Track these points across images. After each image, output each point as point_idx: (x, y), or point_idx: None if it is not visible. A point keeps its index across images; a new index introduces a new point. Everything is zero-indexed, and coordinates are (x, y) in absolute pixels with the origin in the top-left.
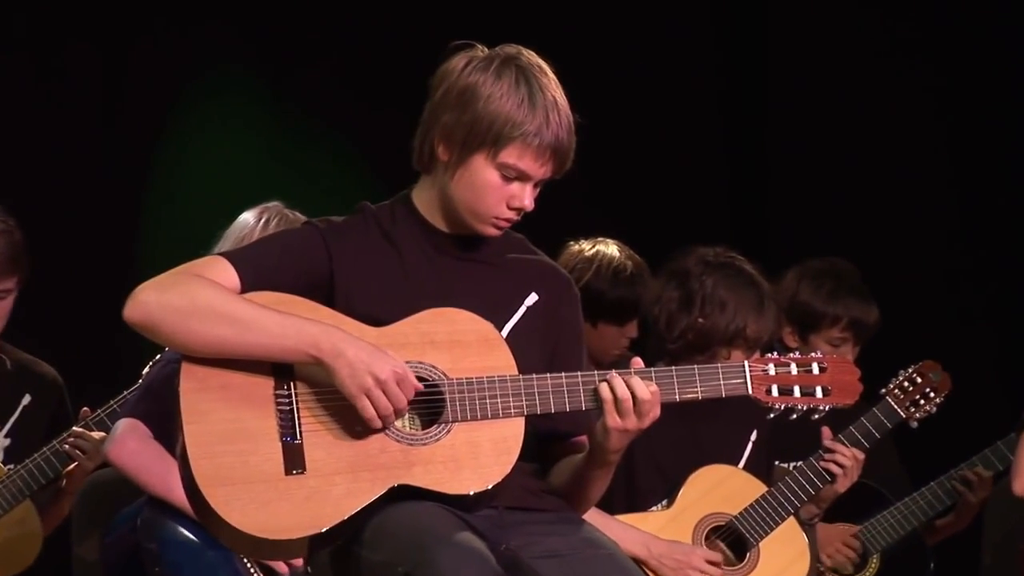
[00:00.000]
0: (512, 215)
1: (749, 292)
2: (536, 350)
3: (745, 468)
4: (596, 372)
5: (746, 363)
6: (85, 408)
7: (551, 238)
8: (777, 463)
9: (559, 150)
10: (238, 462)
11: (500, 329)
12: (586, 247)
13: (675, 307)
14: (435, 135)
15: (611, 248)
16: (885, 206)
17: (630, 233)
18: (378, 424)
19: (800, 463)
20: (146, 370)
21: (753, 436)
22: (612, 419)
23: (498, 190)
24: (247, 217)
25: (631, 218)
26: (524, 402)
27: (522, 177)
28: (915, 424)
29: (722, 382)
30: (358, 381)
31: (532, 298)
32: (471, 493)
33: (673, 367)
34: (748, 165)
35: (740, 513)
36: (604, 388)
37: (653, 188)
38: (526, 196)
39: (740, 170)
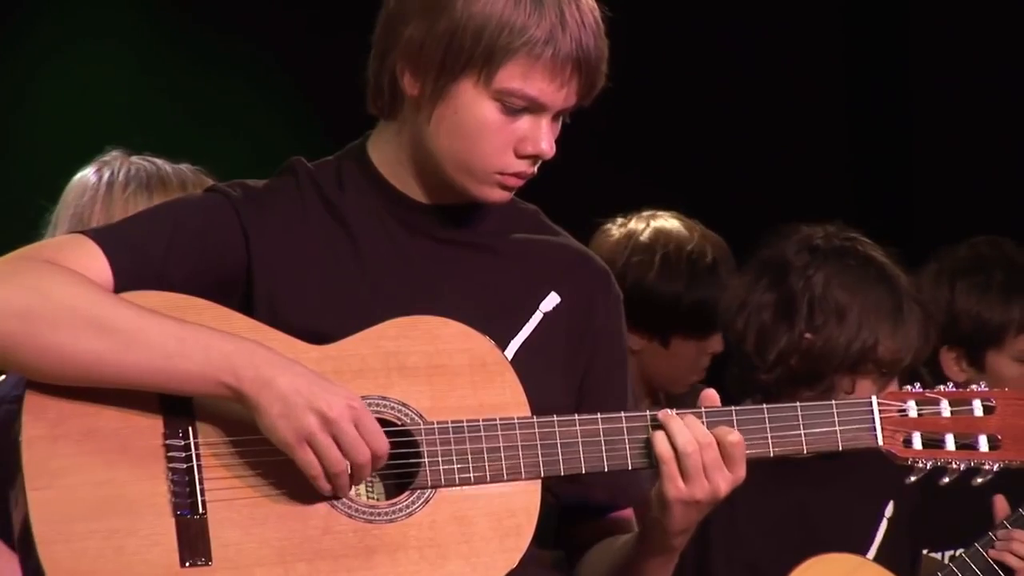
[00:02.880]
0: (524, 166)
1: (880, 292)
2: (557, 378)
3: (877, 559)
4: (648, 412)
5: (874, 399)
6: None
7: (579, 211)
8: (926, 552)
9: (584, 61)
10: (109, 548)
11: (504, 347)
12: (638, 226)
13: (769, 317)
14: (396, 59)
15: (675, 226)
16: None
17: (701, 207)
18: (326, 488)
19: (960, 552)
20: None
21: (888, 511)
22: (673, 484)
23: (500, 130)
24: (86, 175)
25: (704, 184)
26: (540, 458)
27: (533, 107)
28: None
29: (838, 428)
30: (296, 423)
31: (552, 300)
32: None
33: (764, 405)
34: (882, 115)
35: None
36: (660, 438)
37: (738, 139)
38: (542, 136)
39: (870, 121)
